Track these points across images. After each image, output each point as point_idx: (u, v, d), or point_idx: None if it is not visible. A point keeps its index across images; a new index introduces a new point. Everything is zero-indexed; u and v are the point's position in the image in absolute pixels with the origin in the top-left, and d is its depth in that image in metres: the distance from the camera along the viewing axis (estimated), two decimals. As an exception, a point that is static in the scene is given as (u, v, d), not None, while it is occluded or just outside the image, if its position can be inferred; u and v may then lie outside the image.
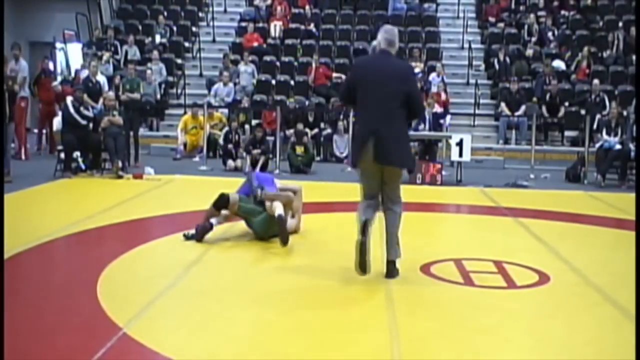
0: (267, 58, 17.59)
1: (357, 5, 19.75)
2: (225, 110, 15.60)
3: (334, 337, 4.35)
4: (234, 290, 5.29)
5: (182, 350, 4.02)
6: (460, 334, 4.45)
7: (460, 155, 11.91)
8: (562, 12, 19.20)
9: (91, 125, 11.51)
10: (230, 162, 12.98)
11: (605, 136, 12.62)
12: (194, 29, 19.28)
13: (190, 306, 4.86)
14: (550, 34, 18.30)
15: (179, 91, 17.22)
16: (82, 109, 11.46)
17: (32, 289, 5.20)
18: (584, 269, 6.11)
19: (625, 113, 14.12)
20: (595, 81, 15.46)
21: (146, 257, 6.24)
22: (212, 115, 14.78)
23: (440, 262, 6.19)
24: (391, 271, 5.61)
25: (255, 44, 17.93)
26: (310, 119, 15.27)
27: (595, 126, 13.11)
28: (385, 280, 5.54)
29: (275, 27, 18.52)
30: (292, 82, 17.04)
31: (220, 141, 13.78)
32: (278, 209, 6.63)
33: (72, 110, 11.30)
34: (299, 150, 13.27)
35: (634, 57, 16.62)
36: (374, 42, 16.53)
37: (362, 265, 5.46)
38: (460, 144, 11.86)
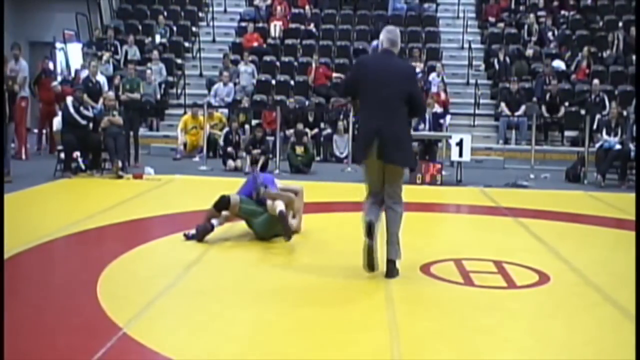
0: (267, 58, 17.59)
1: (357, 5, 19.75)
2: (225, 110, 15.61)
3: (334, 336, 4.35)
4: (234, 290, 5.29)
5: (182, 350, 4.02)
6: (460, 334, 4.45)
7: (460, 155, 11.92)
8: (562, 12, 19.20)
9: (91, 125, 11.51)
10: (230, 162, 12.99)
11: (605, 136, 12.62)
12: (194, 29, 19.28)
13: (190, 306, 4.86)
14: (550, 34, 18.31)
15: (179, 91, 17.22)
16: (82, 109, 11.46)
17: (32, 289, 5.20)
18: (584, 269, 6.12)
19: (625, 113, 14.13)
20: (595, 81, 15.46)
21: (146, 257, 6.24)
22: (212, 115, 14.78)
23: (440, 262, 6.19)
24: (391, 271, 5.62)
25: (255, 44, 17.93)
26: (310, 119, 15.27)
27: (595, 126, 13.12)
28: (385, 280, 5.54)
29: (275, 27, 18.53)
30: (292, 82, 17.04)
31: (221, 142, 13.78)
32: (279, 205, 6.66)
33: (72, 110, 11.30)
34: (299, 150, 13.27)
35: (634, 57, 16.61)
36: (374, 43, 16.52)
37: (370, 265, 5.58)
38: (460, 144, 11.86)
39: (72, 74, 16.39)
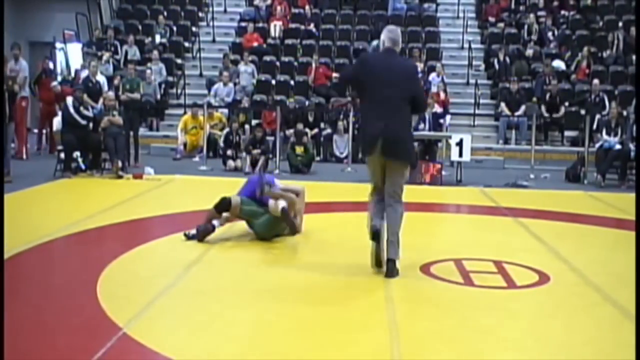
0: (267, 58, 17.59)
1: (357, 5, 19.75)
2: (225, 110, 15.61)
3: (334, 336, 4.35)
4: (234, 290, 5.29)
5: (182, 350, 4.02)
6: (460, 334, 4.45)
7: (460, 155, 11.91)
8: (562, 12, 19.20)
9: (91, 125, 11.51)
10: (230, 162, 12.99)
11: (605, 136, 12.62)
12: (194, 29, 19.28)
13: (190, 306, 4.86)
14: (550, 34, 18.31)
15: (179, 91, 17.22)
16: (82, 109, 11.46)
17: (32, 289, 5.20)
18: (584, 269, 6.12)
19: (625, 113, 14.13)
20: (595, 81, 15.46)
21: (146, 257, 6.24)
22: (212, 115, 14.78)
23: (440, 262, 6.19)
24: (391, 270, 5.62)
25: (255, 44, 17.93)
26: (310, 119, 15.27)
27: (595, 126, 13.12)
28: (385, 280, 5.54)
29: (275, 27, 18.53)
30: (292, 82, 17.04)
31: (221, 143, 13.78)
32: (282, 202, 6.69)
33: (72, 110, 11.30)
34: (299, 150, 13.27)
35: (634, 57, 16.61)
36: (374, 43, 16.52)
37: (378, 263, 5.70)
38: (460, 144, 11.86)
39: (72, 74, 16.39)
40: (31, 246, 6.32)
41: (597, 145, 12.65)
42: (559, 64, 17.20)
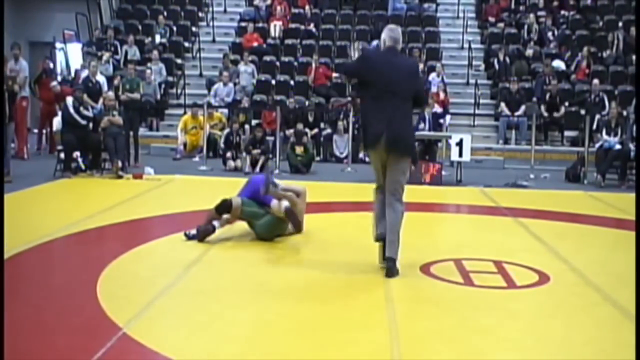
0: (267, 58, 17.60)
1: (357, 5, 19.75)
2: (225, 110, 15.61)
3: (334, 336, 4.35)
4: (234, 290, 5.29)
5: (182, 350, 4.02)
6: (460, 334, 4.45)
7: (460, 155, 11.91)
8: (562, 12, 19.20)
9: (91, 125, 11.51)
10: (230, 162, 12.99)
11: (605, 136, 12.62)
12: (193, 29, 19.28)
13: (190, 306, 4.86)
14: (550, 34, 18.31)
15: (179, 91, 17.22)
16: (81, 109, 11.46)
17: (32, 289, 5.20)
18: (584, 269, 6.12)
19: (625, 113, 14.13)
20: (595, 81, 15.47)
21: (146, 257, 6.24)
22: (211, 115, 14.78)
23: (440, 262, 6.19)
24: (391, 269, 5.63)
25: (255, 44, 17.93)
26: (310, 119, 15.27)
27: (595, 126, 13.12)
28: (385, 280, 5.54)
29: (275, 27, 18.53)
30: (292, 82, 17.04)
31: (221, 144, 13.77)
32: (285, 202, 6.71)
33: (71, 110, 11.30)
34: (299, 150, 13.27)
35: (634, 57, 16.61)
36: (374, 43, 16.55)
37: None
38: (460, 144, 11.86)
39: (72, 74, 16.40)
40: (31, 246, 6.32)
41: (597, 145, 12.65)
42: (558, 64, 17.20)
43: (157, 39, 18.10)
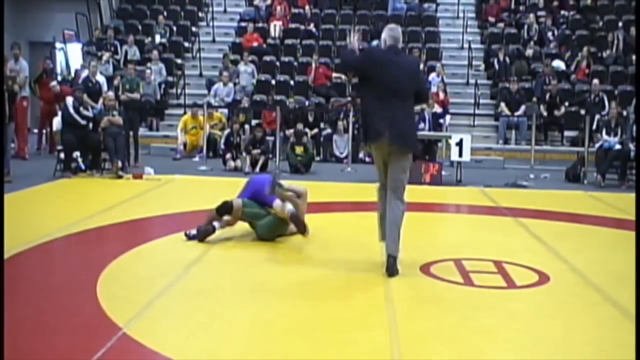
0: (267, 58, 17.59)
1: (357, 5, 19.75)
2: (225, 111, 15.61)
3: (333, 336, 4.35)
4: (234, 290, 5.29)
5: (182, 350, 4.02)
6: (460, 334, 4.46)
7: (460, 155, 11.91)
8: (562, 12, 19.21)
9: (91, 125, 11.51)
10: (230, 162, 12.99)
11: (605, 136, 12.62)
12: (193, 29, 19.28)
13: (190, 306, 4.86)
14: (550, 34, 18.31)
15: (179, 91, 17.23)
16: (81, 109, 11.46)
17: (32, 289, 5.20)
18: (584, 269, 6.12)
19: (625, 113, 14.13)
20: (595, 81, 15.47)
21: (146, 257, 6.24)
22: (211, 115, 14.79)
23: (440, 262, 6.20)
24: (391, 266, 5.64)
25: (255, 44, 17.93)
26: (310, 119, 15.27)
27: (595, 126, 13.12)
28: (385, 280, 5.54)
29: (275, 27, 18.53)
30: (292, 82, 17.04)
31: (221, 144, 13.77)
32: (289, 206, 6.70)
33: (71, 110, 11.30)
34: (299, 150, 13.27)
35: (633, 57, 16.61)
36: (374, 43, 16.56)
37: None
38: (460, 144, 11.85)
39: (72, 74, 16.40)
40: (31, 246, 6.32)
41: (597, 145, 12.65)
42: (558, 64, 17.21)
43: (157, 39, 18.10)
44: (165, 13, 19.19)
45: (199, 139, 14.31)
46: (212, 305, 4.85)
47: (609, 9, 19.23)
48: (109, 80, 15.14)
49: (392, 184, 5.81)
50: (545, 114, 15.56)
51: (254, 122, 15.23)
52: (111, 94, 12.41)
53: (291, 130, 14.38)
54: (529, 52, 17.76)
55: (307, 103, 16.31)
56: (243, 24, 18.95)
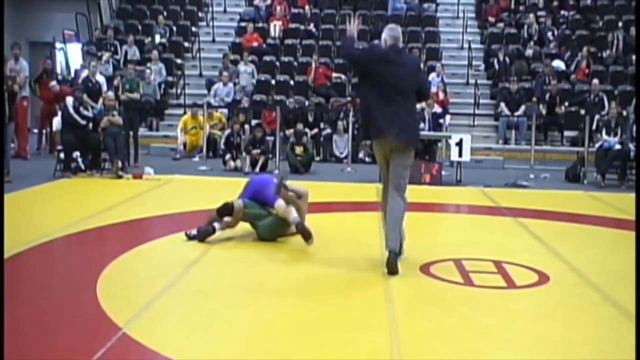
0: (267, 58, 17.60)
1: (357, 5, 19.74)
2: (225, 110, 15.61)
3: (333, 336, 4.35)
4: (234, 290, 5.29)
5: (182, 350, 4.02)
6: (460, 334, 4.46)
7: (460, 155, 11.91)
8: (562, 12, 19.21)
9: (91, 125, 11.51)
10: (230, 162, 12.99)
11: (604, 136, 12.62)
12: (193, 29, 19.28)
13: (190, 306, 4.86)
14: (550, 34, 18.31)
15: (179, 91, 17.23)
16: (81, 109, 11.46)
17: (32, 289, 5.20)
18: (584, 269, 6.12)
19: (624, 113, 14.14)
20: (595, 81, 15.47)
21: (146, 257, 6.24)
22: (211, 115, 14.80)
23: (440, 262, 6.20)
24: (392, 261, 5.65)
25: (255, 44, 17.94)
26: (310, 119, 15.27)
27: (594, 126, 13.12)
28: (385, 280, 5.54)
29: (275, 27, 18.53)
30: (291, 82, 17.04)
31: (221, 144, 13.77)
32: (293, 213, 6.63)
33: (71, 110, 11.30)
34: (298, 150, 13.27)
35: (633, 57, 16.62)
36: (374, 43, 16.57)
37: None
38: (459, 144, 11.85)
39: (72, 74, 16.40)
40: (31, 246, 6.32)
41: (597, 145, 12.65)
42: (558, 64, 17.21)
43: (157, 39, 18.11)
44: (165, 13, 19.20)
45: (198, 139, 14.31)
46: (212, 305, 4.85)
47: (609, 9, 19.23)
48: (109, 80, 15.14)
49: (394, 180, 5.87)
50: (544, 113, 15.55)
51: (253, 122, 15.23)
52: (111, 94, 12.41)
53: (291, 130, 14.38)
54: (529, 52, 17.77)
55: (307, 103, 16.31)
56: (243, 24, 18.95)
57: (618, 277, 5.93)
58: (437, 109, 14.99)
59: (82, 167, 11.33)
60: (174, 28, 18.85)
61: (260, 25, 18.80)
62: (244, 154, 13.03)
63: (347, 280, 5.60)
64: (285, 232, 6.93)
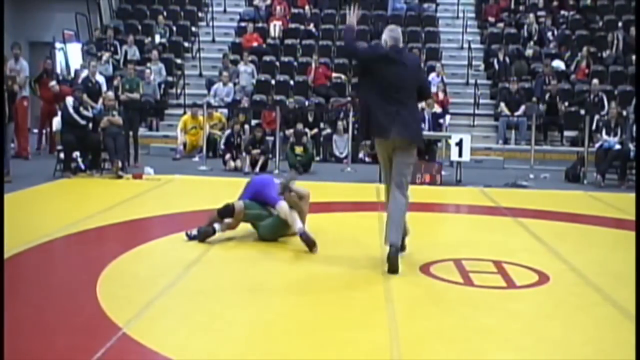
0: (267, 58, 17.60)
1: (357, 5, 19.69)
2: (225, 110, 15.62)
3: (333, 336, 4.35)
4: (234, 290, 5.29)
5: (182, 350, 4.02)
6: (460, 334, 4.46)
7: (460, 155, 11.91)
8: (562, 12, 19.22)
9: (90, 125, 11.51)
10: (230, 162, 12.99)
11: (604, 136, 12.62)
12: (193, 29, 19.28)
13: (190, 306, 4.86)
14: (549, 34, 18.32)
15: (179, 91, 17.23)
16: (81, 109, 11.46)
17: (32, 289, 5.20)
18: (584, 269, 6.12)
19: (624, 113, 14.14)
20: (595, 81, 15.48)
21: (146, 257, 6.24)
22: (211, 115, 14.80)
23: (440, 262, 6.20)
24: (392, 256, 5.66)
25: (255, 44, 17.94)
26: (310, 119, 15.28)
27: (594, 126, 13.12)
28: (385, 280, 5.54)
29: (275, 27, 18.53)
30: (291, 82, 17.04)
31: (221, 144, 13.77)
32: (297, 222, 6.59)
33: (71, 110, 11.31)
34: (298, 150, 13.28)
35: (633, 57, 16.62)
36: (374, 43, 16.57)
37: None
38: (459, 144, 11.85)
39: (72, 74, 16.40)
40: (31, 246, 6.32)
41: (597, 145, 12.65)
42: (558, 63, 17.21)
43: (157, 39, 18.11)
44: (165, 13, 19.20)
45: (198, 139, 14.31)
46: (212, 305, 4.85)
47: (608, 9, 19.24)
48: (109, 80, 15.14)
49: (396, 179, 5.89)
50: (544, 113, 15.56)
51: (253, 122, 15.23)
52: (111, 94, 12.40)
53: (291, 130, 14.38)
54: (529, 52, 17.77)
55: (307, 103, 16.31)
56: (243, 24, 18.96)
57: (618, 277, 5.93)
58: (437, 109, 14.99)
59: (82, 167, 11.34)
60: (174, 28, 18.86)
61: (260, 25, 18.80)
62: (244, 154, 13.03)
63: (347, 280, 5.61)
64: (287, 232, 6.92)
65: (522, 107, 15.66)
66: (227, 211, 6.75)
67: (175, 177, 11.40)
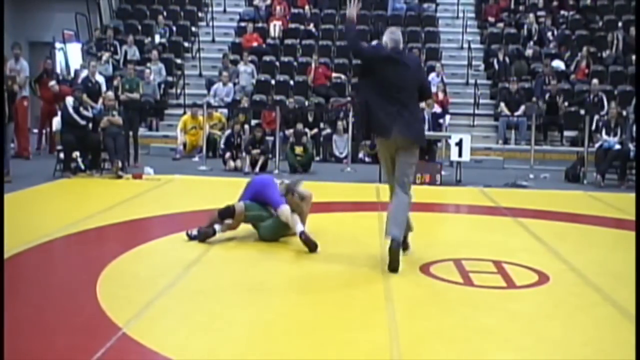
0: (267, 58, 17.60)
1: (356, 5, 19.71)
2: (225, 110, 15.62)
3: (333, 336, 4.35)
4: (234, 290, 5.29)
5: (182, 350, 4.02)
6: (460, 334, 4.46)
7: (460, 155, 11.91)
8: (562, 12, 19.22)
9: (90, 125, 11.51)
10: (230, 162, 12.99)
11: (604, 136, 12.63)
12: (193, 29, 19.28)
13: (190, 306, 4.86)
14: (549, 34, 18.32)
15: (179, 91, 17.23)
16: (81, 109, 11.46)
17: (32, 289, 5.20)
18: (584, 269, 6.12)
19: (624, 113, 14.14)
20: (595, 81, 15.48)
21: (146, 257, 6.24)
22: (211, 115, 14.80)
23: (440, 262, 6.20)
24: (394, 249, 5.65)
25: (255, 44, 17.94)
26: (310, 119, 15.28)
27: (594, 126, 13.13)
28: (385, 280, 5.54)
29: (275, 27, 18.53)
30: (291, 82, 17.05)
31: (222, 145, 13.77)
32: (298, 224, 6.58)
33: (71, 110, 11.31)
34: (298, 150, 13.28)
35: (633, 57, 16.63)
36: (374, 43, 16.59)
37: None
38: (459, 144, 11.86)
39: (72, 74, 16.40)
40: (31, 246, 6.32)
41: (597, 145, 12.66)
42: (558, 63, 17.21)
43: (157, 39, 18.11)
44: (165, 13, 19.20)
45: (198, 139, 14.32)
46: (212, 305, 4.85)
47: (608, 9, 19.24)
48: (109, 80, 15.14)
49: (398, 178, 5.91)
50: (544, 113, 15.56)
51: (253, 122, 15.23)
52: (111, 94, 12.40)
53: (291, 130, 14.39)
54: (529, 52, 17.77)
55: (306, 103, 16.31)
56: (243, 24, 18.96)
57: (618, 277, 5.93)
58: (437, 109, 14.99)
59: (82, 167, 11.33)
60: (174, 28, 18.85)
61: (260, 25, 18.80)
62: (243, 154, 13.04)
63: (347, 280, 5.61)
64: (287, 232, 6.92)
65: (522, 107, 15.66)
66: (228, 212, 6.75)
67: (175, 177, 11.40)
